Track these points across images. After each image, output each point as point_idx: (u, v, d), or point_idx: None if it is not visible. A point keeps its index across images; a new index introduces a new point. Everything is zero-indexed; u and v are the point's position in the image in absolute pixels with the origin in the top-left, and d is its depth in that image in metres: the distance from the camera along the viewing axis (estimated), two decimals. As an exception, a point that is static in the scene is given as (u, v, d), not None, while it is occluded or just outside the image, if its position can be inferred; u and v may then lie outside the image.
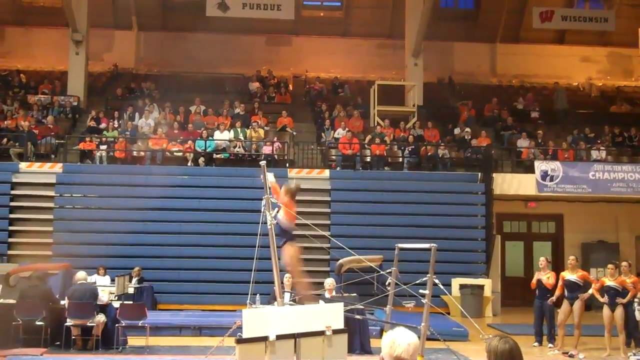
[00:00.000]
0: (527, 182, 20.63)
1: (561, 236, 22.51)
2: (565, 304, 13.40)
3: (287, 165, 20.47)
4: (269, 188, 8.23)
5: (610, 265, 13.31)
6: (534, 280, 14.01)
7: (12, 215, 19.17)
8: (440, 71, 28.62)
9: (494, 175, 20.30)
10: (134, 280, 17.53)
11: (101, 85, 27.23)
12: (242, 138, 21.43)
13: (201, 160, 20.56)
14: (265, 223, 8.04)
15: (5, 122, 21.57)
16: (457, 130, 22.97)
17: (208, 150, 20.84)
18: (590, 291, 13.37)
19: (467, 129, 22.61)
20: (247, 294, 8.68)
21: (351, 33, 30.21)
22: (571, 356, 12.87)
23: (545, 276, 13.74)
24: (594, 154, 21.92)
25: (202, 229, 19.02)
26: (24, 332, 12.52)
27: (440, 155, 21.27)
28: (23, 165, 19.59)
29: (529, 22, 28.96)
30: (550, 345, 13.65)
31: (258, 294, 9.14)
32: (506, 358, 3.82)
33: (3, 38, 29.24)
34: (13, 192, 19.28)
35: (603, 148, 22.23)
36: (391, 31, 29.43)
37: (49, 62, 28.32)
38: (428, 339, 9.19)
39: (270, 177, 8.44)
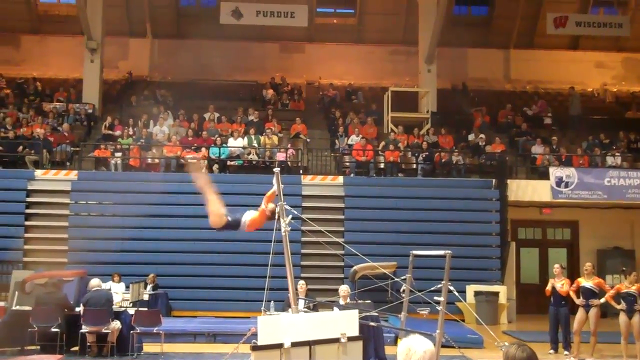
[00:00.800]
0: (542, 189, 20.52)
1: (576, 243, 22.38)
2: (581, 311, 13.31)
3: (301, 172, 20.50)
4: (283, 195, 8.23)
5: (634, 273, 13.24)
6: (548, 287, 13.93)
7: (27, 223, 19.29)
8: (453, 77, 28.56)
9: (509, 181, 20.24)
10: (149, 287, 17.59)
11: (116, 93, 27.38)
12: (256, 145, 21.48)
13: (215, 167, 20.62)
14: (279, 230, 8.05)
15: (21, 130, 21.74)
16: (471, 137, 22.92)
17: (222, 157, 20.91)
18: (602, 299, 13.27)
19: (482, 135, 22.55)
20: (262, 301, 8.71)
21: (364, 40, 30.26)
22: (587, 364, 12.81)
23: (560, 283, 13.66)
24: (609, 160, 21.80)
25: (216, 236, 18.96)
26: (40, 338, 12.59)
27: (454, 162, 21.22)
28: (38, 173, 19.72)
29: (543, 28, 28.89)
30: (566, 352, 13.55)
31: (272, 301, 9.19)
32: None
33: (19, 46, 29.49)
34: (28, 199, 19.42)
35: (618, 154, 22.11)
36: (404, 38, 29.43)
37: (64, 70, 28.53)
38: (443, 347, 9.15)
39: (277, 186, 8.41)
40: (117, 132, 22.09)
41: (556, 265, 14.10)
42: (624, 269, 14.00)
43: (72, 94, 25.39)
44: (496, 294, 18.61)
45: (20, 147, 20.75)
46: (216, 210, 8.17)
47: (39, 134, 21.20)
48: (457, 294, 9.02)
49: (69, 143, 21.37)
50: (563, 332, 13.76)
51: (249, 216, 8.34)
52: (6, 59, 28.74)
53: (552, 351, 13.83)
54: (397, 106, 23.54)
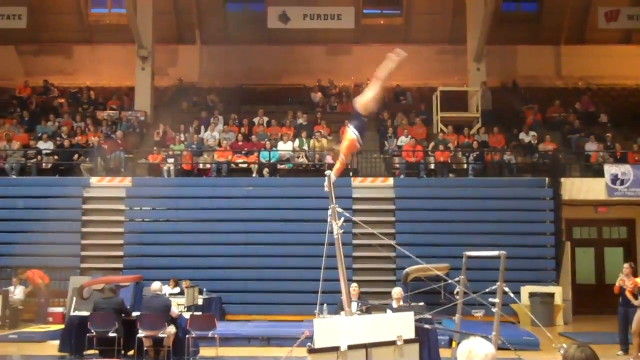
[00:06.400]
0: (597, 187, 20.12)
1: (633, 241, 21.88)
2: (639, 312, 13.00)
3: (351, 174, 20.47)
4: (334, 197, 8.24)
5: None
6: (617, 284, 13.59)
7: (84, 229, 19.68)
8: (503, 75, 28.18)
9: (562, 180, 19.91)
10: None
11: (167, 100, 27.75)
12: (306, 148, 21.54)
13: (265, 171, 20.74)
14: (332, 233, 8.05)
15: (76, 138, 22.20)
16: (522, 135, 22.61)
17: (272, 161, 21.02)
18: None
19: (533, 133, 22.23)
20: (314, 304, 8.71)
21: (412, 40, 30.01)
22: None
23: (630, 282, 13.32)
24: (666, 156, 21.29)
25: (268, 240, 19.15)
26: (98, 343, 12.84)
27: (506, 161, 20.96)
28: (93, 180, 20.11)
29: (594, 23, 28.38)
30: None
31: (325, 304, 9.19)
32: None
33: (72, 56, 30.09)
34: (84, 206, 19.81)
35: (675, 149, 21.57)
36: (452, 36, 29.16)
37: (116, 78, 29.00)
38: (499, 349, 8.99)
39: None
40: (170, 138, 22.37)
41: (625, 265, 13.79)
42: None
43: (125, 101, 25.83)
44: (551, 295, 18.29)
45: (76, 155, 21.20)
46: (371, 102, 8.91)
47: (93, 142, 21.61)
48: (512, 295, 8.90)
49: (122, 150, 21.73)
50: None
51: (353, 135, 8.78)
52: (59, 69, 29.35)
53: (621, 352, 13.53)
54: (446, 106, 23.34)
